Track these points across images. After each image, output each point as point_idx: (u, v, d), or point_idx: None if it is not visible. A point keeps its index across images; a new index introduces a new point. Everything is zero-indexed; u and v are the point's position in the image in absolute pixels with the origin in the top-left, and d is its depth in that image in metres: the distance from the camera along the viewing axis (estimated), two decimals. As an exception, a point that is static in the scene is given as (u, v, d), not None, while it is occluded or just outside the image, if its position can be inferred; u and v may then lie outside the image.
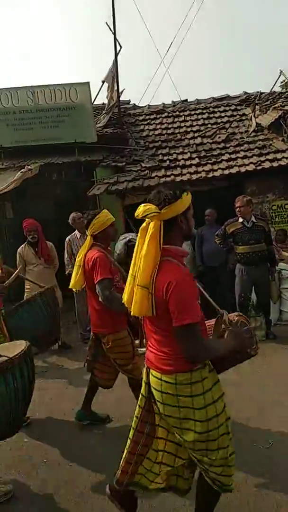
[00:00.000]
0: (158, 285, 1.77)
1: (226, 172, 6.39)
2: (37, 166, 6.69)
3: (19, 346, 2.45)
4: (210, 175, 6.37)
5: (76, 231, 5.57)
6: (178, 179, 6.42)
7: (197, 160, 6.92)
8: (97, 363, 3.26)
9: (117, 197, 6.65)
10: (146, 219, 1.85)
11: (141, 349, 3.12)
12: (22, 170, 6.39)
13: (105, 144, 7.48)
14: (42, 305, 3.69)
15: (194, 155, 7.12)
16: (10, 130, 7.38)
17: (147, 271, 1.78)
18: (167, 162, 7.00)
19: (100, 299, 2.98)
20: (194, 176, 6.41)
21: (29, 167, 6.54)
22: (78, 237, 5.53)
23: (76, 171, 7.06)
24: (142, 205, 1.86)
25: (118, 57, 7.79)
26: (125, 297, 1.91)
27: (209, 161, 6.81)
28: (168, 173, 6.64)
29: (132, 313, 1.84)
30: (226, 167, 6.51)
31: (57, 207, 7.66)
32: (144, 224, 1.87)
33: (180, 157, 7.17)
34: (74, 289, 3.26)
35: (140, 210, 1.85)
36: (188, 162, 6.92)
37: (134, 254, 1.90)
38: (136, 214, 1.88)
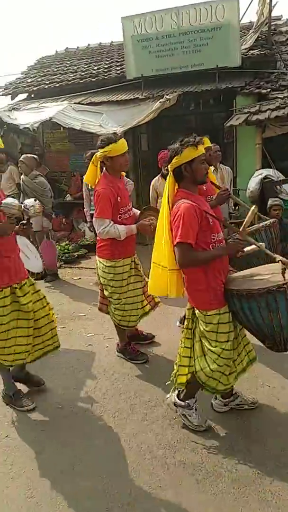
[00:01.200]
0: None
1: None
2: (175, 95, 6.54)
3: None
4: None
5: (209, 165, 5.43)
6: None
7: None
8: None
9: (256, 128, 6.15)
10: None
11: None
12: (161, 101, 6.33)
13: (249, 69, 6.83)
14: (266, 239, 3.34)
15: None
16: (152, 57, 7.23)
17: None
18: None
19: None
20: None
21: (167, 96, 6.44)
22: (212, 170, 5.39)
23: (214, 100, 6.69)
24: None
25: None
26: None
27: None
28: None
29: None
30: None
31: (192, 139, 7.50)
32: None
33: None
34: None
35: None
36: None
37: None
38: None
